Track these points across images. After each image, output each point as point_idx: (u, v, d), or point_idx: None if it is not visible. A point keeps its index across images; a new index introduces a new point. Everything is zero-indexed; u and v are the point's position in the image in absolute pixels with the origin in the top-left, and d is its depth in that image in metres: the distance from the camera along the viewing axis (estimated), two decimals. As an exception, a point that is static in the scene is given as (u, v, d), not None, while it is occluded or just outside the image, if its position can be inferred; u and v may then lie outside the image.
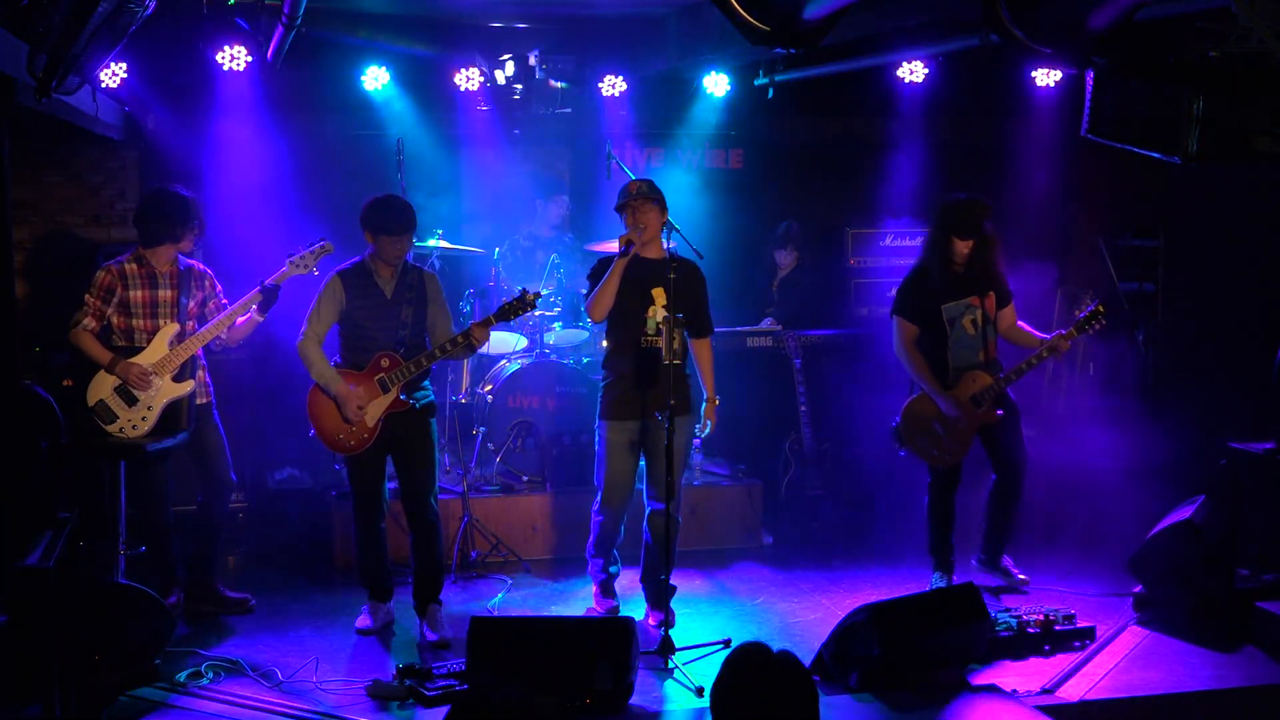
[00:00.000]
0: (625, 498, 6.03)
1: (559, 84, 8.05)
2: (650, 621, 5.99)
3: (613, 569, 6.25)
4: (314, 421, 5.82)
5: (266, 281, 6.02)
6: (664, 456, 5.68)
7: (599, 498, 6.07)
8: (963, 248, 6.26)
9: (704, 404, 6.03)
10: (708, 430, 6.02)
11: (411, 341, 5.80)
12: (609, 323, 5.99)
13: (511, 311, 5.80)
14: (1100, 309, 6.27)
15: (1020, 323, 6.49)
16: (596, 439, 6.07)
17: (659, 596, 5.87)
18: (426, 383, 5.93)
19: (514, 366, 7.46)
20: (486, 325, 5.75)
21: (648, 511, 6.02)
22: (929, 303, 6.29)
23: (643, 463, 6.04)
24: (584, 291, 6.24)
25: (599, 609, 6.19)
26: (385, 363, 5.72)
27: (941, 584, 6.40)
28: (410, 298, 5.81)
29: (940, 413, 6.27)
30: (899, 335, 6.35)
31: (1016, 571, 6.54)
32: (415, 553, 5.94)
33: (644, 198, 5.87)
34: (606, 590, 6.22)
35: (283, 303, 6.12)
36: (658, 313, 5.84)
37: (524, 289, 5.89)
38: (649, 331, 5.89)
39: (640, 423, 5.93)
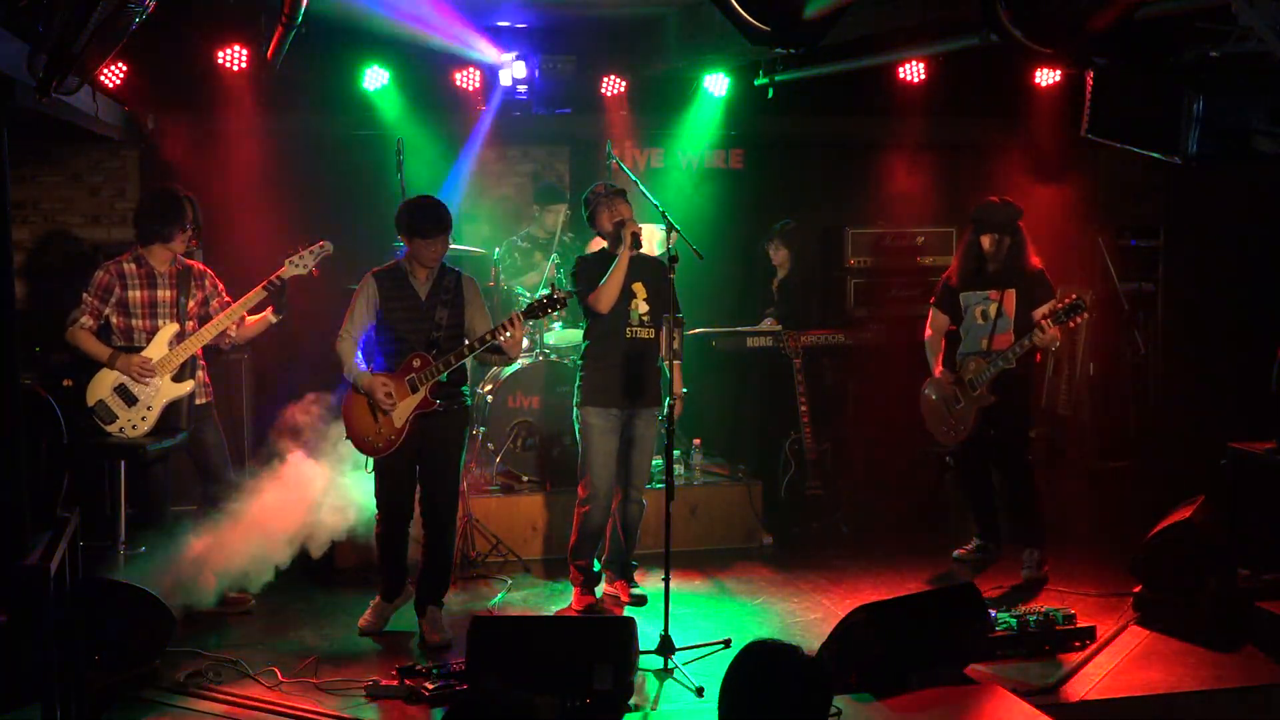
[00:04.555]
0: (611, 484, 6.20)
1: (558, 84, 8.06)
2: (621, 596, 6.33)
3: (594, 567, 6.33)
4: (346, 423, 5.85)
5: (272, 279, 6.03)
6: (647, 444, 6.23)
7: (586, 487, 6.17)
8: (986, 242, 6.70)
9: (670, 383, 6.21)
10: (671, 409, 6.08)
11: (446, 344, 5.77)
12: (593, 315, 6.15)
13: (540, 310, 5.80)
14: (1081, 301, 6.41)
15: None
16: (578, 426, 6.18)
17: (625, 571, 6.43)
18: (464, 389, 5.93)
19: (514, 367, 7.46)
20: (516, 323, 5.72)
21: (619, 501, 6.27)
22: (952, 291, 6.88)
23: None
24: (569, 287, 6.36)
25: (576, 607, 6.25)
26: (417, 363, 5.72)
27: (978, 541, 7.03)
28: (446, 300, 5.80)
29: (946, 393, 6.80)
30: (928, 320, 7.01)
31: (1029, 565, 6.72)
32: (425, 554, 5.92)
33: (621, 193, 6.19)
34: (587, 589, 6.29)
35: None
36: (639, 305, 6.14)
37: (553, 285, 5.91)
38: (633, 322, 6.12)
39: (624, 411, 6.13)
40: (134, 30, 4.35)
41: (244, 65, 7.25)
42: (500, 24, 8.00)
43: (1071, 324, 6.47)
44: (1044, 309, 6.61)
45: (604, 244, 6.26)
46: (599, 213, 6.16)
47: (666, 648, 5.49)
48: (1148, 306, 8.91)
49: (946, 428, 6.88)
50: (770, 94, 7.92)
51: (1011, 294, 6.69)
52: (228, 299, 6.18)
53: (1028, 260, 6.72)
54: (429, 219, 5.71)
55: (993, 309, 6.71)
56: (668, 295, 5.98)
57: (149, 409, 5.89)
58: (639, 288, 6.16)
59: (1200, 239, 8.79)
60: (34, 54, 4.33)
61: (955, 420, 6.80)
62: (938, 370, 6.88)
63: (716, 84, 8.28)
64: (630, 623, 5.10)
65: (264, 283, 6.04)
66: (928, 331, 6.98)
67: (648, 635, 5.47)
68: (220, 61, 7.24)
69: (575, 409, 6.23)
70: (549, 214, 7.92)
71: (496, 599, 6.45)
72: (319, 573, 6.78)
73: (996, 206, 6.75)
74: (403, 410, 5.72)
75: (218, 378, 6.46)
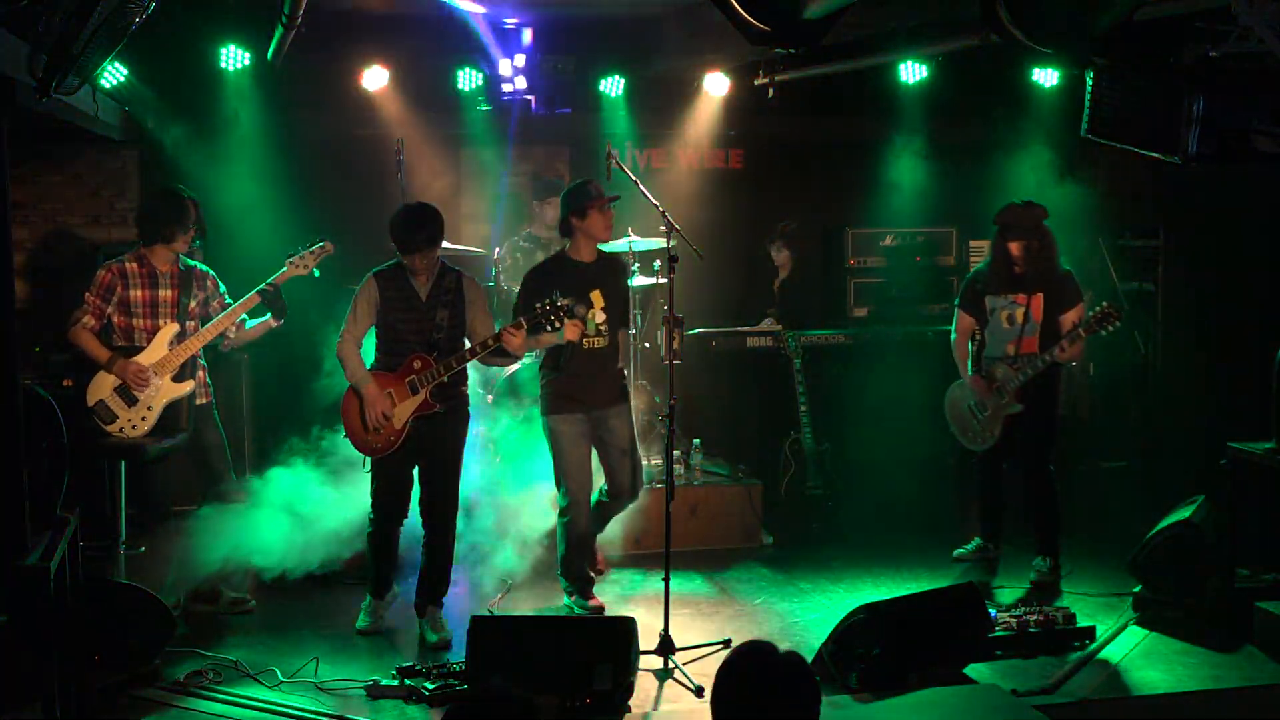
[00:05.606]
0: (589, 489, 6.14)
1: (558, 84, 8.07)
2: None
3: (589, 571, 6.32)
4: (345, 422, 5.83)
5: (267, 284, 6.03)
6: (632, 439, 6.20)
7: (565, 496, 6.10)
8: (1015, 248, 6.63)
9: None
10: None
11: (447, 345, 5.76)
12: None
13: (543, 317, 5.67)
14: (1112, 310, 6.35)
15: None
16: (547, 436, 6.14)
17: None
18: (466, 390, 5.91)
19: (513, 367, 7.44)
20: (520, 329, 5.67)
21: (623, 502, 6.29)
22: (977, 294, 6.81)
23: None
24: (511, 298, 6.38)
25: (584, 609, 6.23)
26: (417, 364, 5.71)
27: (976, 544, 7.02)
28: (446, 300, 5.78)
29: (972, 398, 6.77)
30: (954, 323, 6.97)
31: (1041, 571, 6.68)
32: (425, 554, 5.92)
33: (614, 200, 6.10)
34: (586, 594, 6.23)
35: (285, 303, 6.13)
36: (596, 315, 6.06)
37: (557, 293, 5.75)
38: (589, 333, 6.05)
39: (592, 413, 6.08)
40: (134, 30, 4.35)
41: (244, 64, 7.25)
42: (500, 23, 8.00)
43: (1105, 331, 6.36)
44: (1072, 314, 6.59)
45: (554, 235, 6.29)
46: (590, 212, 6.01)
47: (666, 648, 5.49)
48: (1148, 306, 8.90)
49: (973, 434, 6.85)
50: (770, 94, 7.92)
51: (1039, 298, 6.63)
52: (227, 301, 6.18)
53: (1056, 262, 6.66)
54: (414, 233, 5.68)
55: (1019, 313, 6.64)
56: (620, 296, 6.10)
57: (149, 409, 5.89)
58: (596, 296, 6.06)
59: (1200, 239, 8.78)
60: (34, 54, 4.33)
61: (982, 427, 6.77)
62: (966, 375, 6.85)
63: (716, 84, 8.28)
64: (630, 623, 5.11)
65: (258, 289, 6.03)
66: (955, 334, 6.95)
67: (648, 635, 5.47)
68: (220, 61, 7.23)
69: (542, 418, 6.14)
70: (548, 206, 7.90)
71: (496, 599, 6.45)
72: (318, 573, 6.78)
73: (1021, 210, 6.66)
74: (402, 413, 5.71)
75: (218, 378, 6.46)
